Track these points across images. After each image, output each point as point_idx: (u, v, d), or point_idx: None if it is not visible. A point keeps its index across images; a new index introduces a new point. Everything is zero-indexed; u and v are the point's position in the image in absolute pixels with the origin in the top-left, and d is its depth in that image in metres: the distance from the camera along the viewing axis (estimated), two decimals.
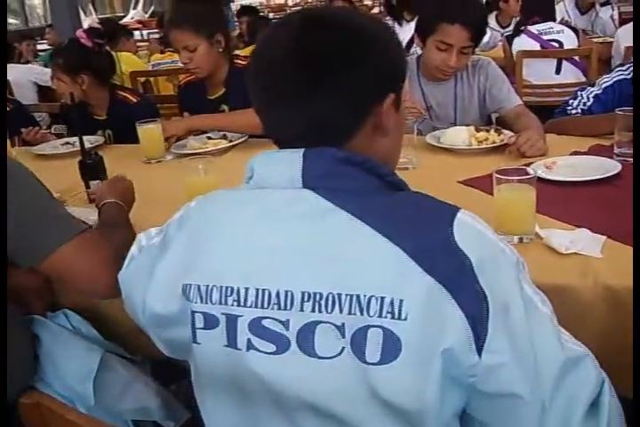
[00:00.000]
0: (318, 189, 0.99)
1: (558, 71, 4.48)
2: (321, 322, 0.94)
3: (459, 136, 2.35)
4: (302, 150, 1.01)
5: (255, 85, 1.08)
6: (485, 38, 4.87)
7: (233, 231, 1.02)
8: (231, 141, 2.67)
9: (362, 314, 0.91)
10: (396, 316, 0.90)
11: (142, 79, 5.31)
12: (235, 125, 2.69)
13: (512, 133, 2.31)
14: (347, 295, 0.92)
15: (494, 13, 6.00)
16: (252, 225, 1.02)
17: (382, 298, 0.90)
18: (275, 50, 1.04)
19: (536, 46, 4.61)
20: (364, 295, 0.91)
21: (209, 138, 2.71)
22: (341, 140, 1.03)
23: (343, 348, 0.93)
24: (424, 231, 0.94)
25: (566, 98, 2.66)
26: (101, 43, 3.09)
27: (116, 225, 1.65)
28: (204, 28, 2.72)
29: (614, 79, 2.53)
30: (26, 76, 5.68)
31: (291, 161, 1.01)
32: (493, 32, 5.06)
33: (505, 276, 0.94)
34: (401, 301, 0.90)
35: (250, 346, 0.98)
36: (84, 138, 2.28)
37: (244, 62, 2.86)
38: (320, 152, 1.01)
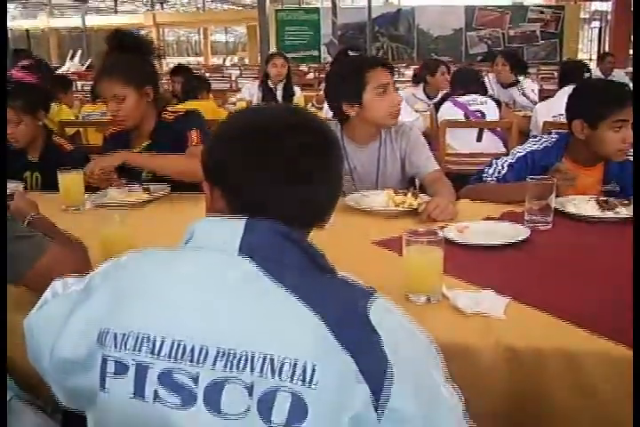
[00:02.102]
0: (253, 256, 1.03)
1: (479, 139, 4.65)
2: (230, 379, 0.95)
3: (377, 199, 2.42)
4: (245, 219, 1.06)
5: (249, 163, 1.10)
6: (412, 119, 5.03)
7: (161, 286, 1.05)
8: (152, 194, 2.66)
9: (273, 376, 0.94)
10: (307, 382, 0.92)
11: (72, 131, 5.25)
12: (171, 168, 2.68)
13: (428, 198, 2.38)
14: (260, 355, 0.95)
15: (422, 85, 6.22)
16: (180, 282, 1.04)
17: (295, 362, 0.93)
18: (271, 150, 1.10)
19: (460, 114, 4.79)
20: (278, 357, 0.94)
21: (130, 190, 2.70)
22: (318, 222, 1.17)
23: (249, 407, 0.94)
24: (344, 307, 0.99)
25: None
26: (40, 77, 3.08)
27: (64, 236, 1.79)
28: (133, 78, 2.76)
29: (527, 150, 2.65)
30: None
31: (232, 228, 1.05)
32: (420, 117, 5.19)
33: (414, 352, 0.99)
34: (314, 367, 0.93)
35: (156, 397, 0.99)
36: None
37: (171, 116, 2.90)
38: (263, 223, 1.06)
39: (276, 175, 1.08)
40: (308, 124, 1.16)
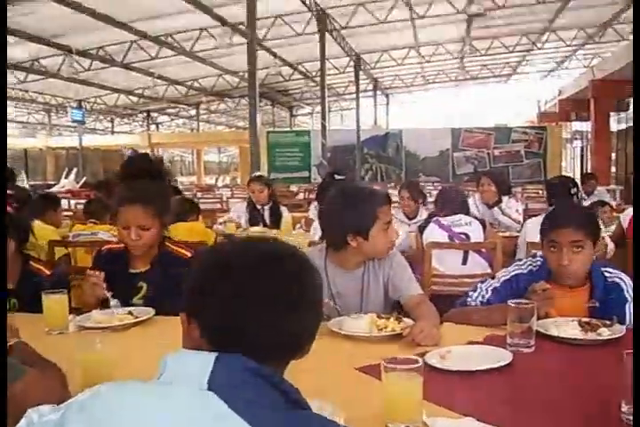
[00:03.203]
0: (221, 393, 1.04)
1: (465, 262, 4.69)
2: None
3: (360, 323, 2.42)
4: (216, 354, 1.08)
5: (223, 296, 1.14)
6: (400, 239, 5.07)
7: (131, 422, 1.05)
8: (137, 317, 2.66)
9: None
10: None
11: (61, 252, 5.22)
12: None
13: (412, 322, 2.39)
14: None
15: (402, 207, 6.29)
16: (149, 419, 1.04)
17: None
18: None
19: (445, 236, 4.84)
20: None
21: (114, 313, 2.69)
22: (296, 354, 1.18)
23: None
24: None
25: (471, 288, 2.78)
26: (18, 207, 3.09)
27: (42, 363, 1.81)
28: (160, 209, 2.85)
29: (512, 273, 2.69)
30: None
31: (202, 362, 1.07)
32: (408, 234, 5.25)
33: None
34: None
35: None
36: None
37: (174, 247, 2.97)
38: (232, 358, 1.08)
39: (248, 308, 1.11)
40: (283, 255, 1.20)
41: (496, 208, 6.23)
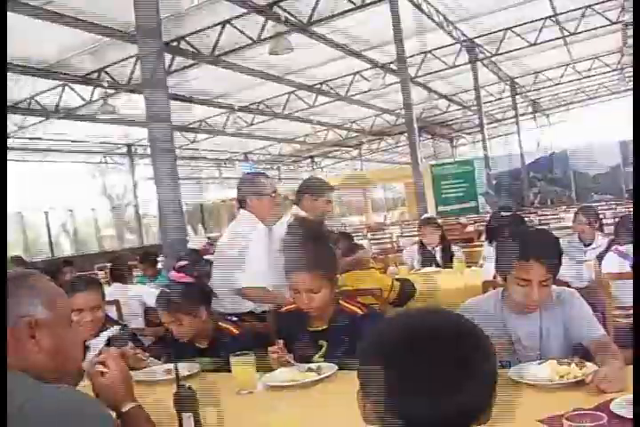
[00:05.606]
0: None
1: None
2: None
3: (541, 371, 2.37)
4: None
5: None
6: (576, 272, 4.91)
7: None
8: (319, 374, 2.73)
9: None
10: None
11: None
12: None
13: (595, 367, 2.32)
14: None
15: (577, 233, 6.09)
16: None
17: None
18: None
19: (626, 265, 4.62)
20: None
21: (299, 370, 2.78)
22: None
23: None
24: None
25: None
26: (198, 275, 3.28)
27: None
28: (329, 271, 2.96)
29: None
30: (137, 297, 5.72)
31: None
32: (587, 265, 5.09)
33: None
34: None
35: None
36: (181, 365, 2.43)
37: (347, 305, 3.05)
38: None
39: (416, 391, 1.15)
40: (451, 336, 1.23)
41: None
